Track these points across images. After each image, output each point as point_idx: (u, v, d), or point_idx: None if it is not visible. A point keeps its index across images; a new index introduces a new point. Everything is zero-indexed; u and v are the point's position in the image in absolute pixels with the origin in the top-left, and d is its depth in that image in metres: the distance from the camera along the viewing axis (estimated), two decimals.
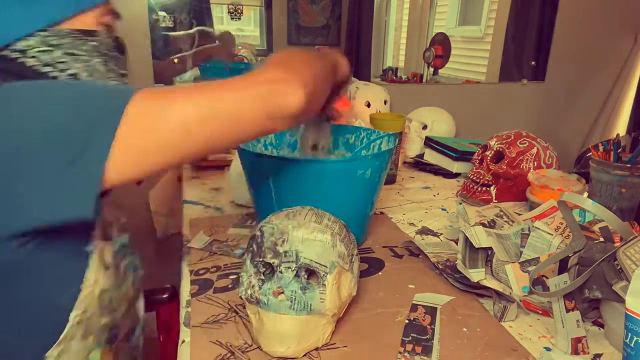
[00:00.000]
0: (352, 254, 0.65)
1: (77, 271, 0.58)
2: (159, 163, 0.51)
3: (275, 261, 0.59)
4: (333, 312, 0.61)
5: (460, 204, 0.98)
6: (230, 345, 0.62)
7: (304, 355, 0.61)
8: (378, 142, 0.98)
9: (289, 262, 0.59)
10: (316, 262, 0.59)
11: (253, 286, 0.61)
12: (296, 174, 0.79)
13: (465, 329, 0.67)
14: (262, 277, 0.61)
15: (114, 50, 0.66)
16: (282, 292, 0.59)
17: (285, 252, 0.59)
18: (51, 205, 0.47)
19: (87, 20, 0.62)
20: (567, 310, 0.64)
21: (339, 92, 0.82)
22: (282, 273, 0.59)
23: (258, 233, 0.63)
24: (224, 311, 0.70)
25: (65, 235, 0.55)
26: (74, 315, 0.57)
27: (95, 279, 0.59)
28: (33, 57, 0.58)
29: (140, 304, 0.77)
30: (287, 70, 0.56)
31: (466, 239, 0.80)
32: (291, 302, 0.58)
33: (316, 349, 0.62)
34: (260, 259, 0.61)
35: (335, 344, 0.63)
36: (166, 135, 0.49)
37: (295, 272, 0.59)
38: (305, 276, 0.59)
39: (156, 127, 0.49)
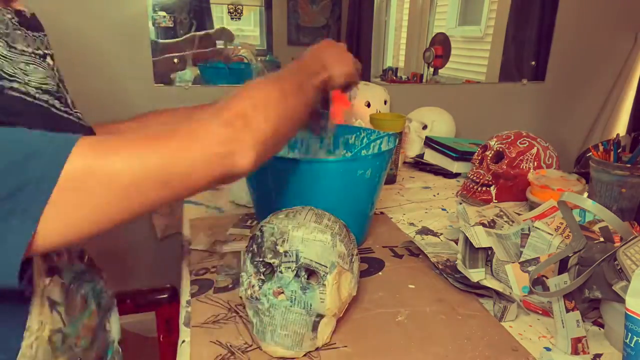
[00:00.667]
0: (352, 254, 0.65)
1: (15, 324, 0.50)
2: (99, 225, 0.46)
3: (275, 261, 0.59)
4: (333, 312, 0.61)
5: (460, 204, 0.98)
6: (231, 345, 0.62)
7: (304, 355, 0.61)
8: (378, 142, 0.98)
9: (289, 262, 0.59)
10: (316, 262, 0.59)
11: (253, 286, 0.61)
12: (296, 174, 0.79)
13: (465, 329, 0.67)
14: (262, 277, 0.61)
15: (19, 27, 0.54)
16: (282, 292, 0.59)
17: (285, 252, 0.59)
18: None
19: None
20: (567, 310, 0.64)
21: (344, 91, 0.82)
22: (282, 273, 0.59)
23: (258, 233, 0.63)
24: (224, 311, 0.70)
25: None
26: None
27: (40, 324, 0.51)
28: None
29: (113, 323, 0.71)
30: (241, 126, 0.52)
31: (466, 239, 0.80)
32: (291, 302, 0.58)
33: (316, 348, 0.62)
34: (260, 259, 0.61)
35: (335, 343, 0.63)
36: (110, 195, 0.45)
37: (295, 272, 0.59)
38: (305, 276, 0.59)
39: (97, 187, 0.44)
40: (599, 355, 0.63)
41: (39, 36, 0.56)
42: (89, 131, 0.60)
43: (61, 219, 0.43)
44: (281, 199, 0.82)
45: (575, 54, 2.06)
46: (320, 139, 1.05)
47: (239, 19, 1.88)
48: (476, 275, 0.75)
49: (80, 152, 0.43)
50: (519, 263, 0.77)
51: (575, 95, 2.15)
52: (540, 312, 0.71)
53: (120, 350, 0.71)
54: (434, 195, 1.23)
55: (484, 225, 0.87)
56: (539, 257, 0.76)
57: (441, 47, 2.10)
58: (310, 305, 0.59)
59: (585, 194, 1.04)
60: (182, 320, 0.69)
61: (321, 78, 0.72)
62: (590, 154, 1.04)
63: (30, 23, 0.56)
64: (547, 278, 0.72)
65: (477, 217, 0.94)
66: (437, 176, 1.40)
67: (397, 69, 2.22)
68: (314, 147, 1.06)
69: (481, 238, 0.79)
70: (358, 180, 0.81)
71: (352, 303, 0.71)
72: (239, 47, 1.81)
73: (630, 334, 0.52)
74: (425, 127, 1.61)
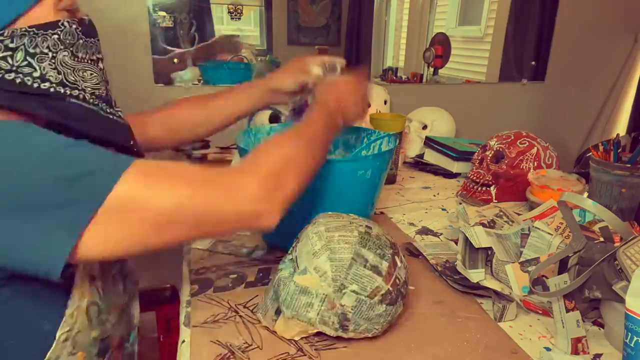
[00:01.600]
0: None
1: (60, 295, 0.56)
2: (132, 248, 0.51)
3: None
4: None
5: (460, 204, 0.98)
6: (230, 345, 0.62)
7: (304, 354, 0.61)
8: (378, 142, 0.98)
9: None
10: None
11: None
12: None
13: (464, 332, 0.67)
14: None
15: (81, 36, 0.59)
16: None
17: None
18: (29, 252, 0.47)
19: (45, 12, 0.55)
20: (567, 310, 0.64)
21: None
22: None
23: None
24: (224, 311, 0.70)
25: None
26: (59, 334, 0.55)
27: (80, 294, 0.57)
28: None
29: (135, 308, 0.76)
30: (273, 186, 0.56)
31: (466, 239, 0.80)
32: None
33: (316, 349, 0.62)
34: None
35: (334, 344, 0.63)
36: (146, 225, 0.50)
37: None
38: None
39: (136, 216, 0.49)
40: (599, 355, 0.63)
41: (94, 42, 0.61)
42: (129, 129, 0.65)
43: (100, 238, 0.48)
44: None
45: (575, 54, 2.06)
46: None
47: (239, 19, 1.88)
48: (476, 275, 0.75)
49: (129, 180, 0.48)
50: (519, 263, 0.77)
51: (575, 95, 2.15)
52: (540, 312, 0.71)
53: (137, 338, 0.75)
54: (434, 195, 1.23)
55: (483, 225, 0.87)
56: (539, 257, 0.76)
57: (441, 47, 2.10)
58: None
59: (585, 194, 1.04)
60: (182, 320, 0.69)
61: (340, 128, 0.76)
62: (590, 154, 1.04)
63: (88, 30, 0.60)
64: (547, 278, 0.72)
65: (477, 217, 0.94)
66: (437, 176, 1.40)
67: (397, 69, 2.22)
68: None
69: (481, 238, 0.79)
70: (358, 181, 0.81)
71: None
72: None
73: (630, 334, 0.52)
74: (425, 127, 1.61)
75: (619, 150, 0.98)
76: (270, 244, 0.90)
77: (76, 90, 0.57)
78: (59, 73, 0.56)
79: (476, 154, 1.24)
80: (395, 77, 2.17)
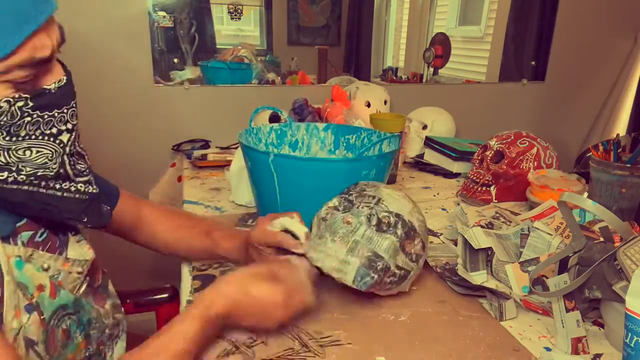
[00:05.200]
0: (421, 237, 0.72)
1: None
2: None
3: (357, 200, 0.69)
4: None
5: (458, 205, 0.98)
6: (235, 340, 0.63)
7: (308, 350, 0.61)
8: (378, 144, 0.98)
9: (369, 203, 0.69)
10: (394, 213, 0.68)
11: (327, 213, 0.69)
12: (302, 173, 0.80)
13: (467, 330, 0.67)
14: (340, 209, 0.70)
15: (30, 114, 0.49)
16: (350, 222, 0.67)
17: (370, 195, 0.70)
18: None
19: None
20: (567, 310, 0.64)
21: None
22: (357, 208, 0.68)
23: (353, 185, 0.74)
24: None
25: None
26: None
27: None
28: None
29: (119, 350, 0.70)
30: None
31: (465, 242, 0.80)
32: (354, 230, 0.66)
33: (320, 345, 0.62)
34: (345, 196, 0.71)
35: (340, 340, 0.63)
36: None
37: (369, 215, 0.67)
38: (375, 223, 0.67)
39: None
40: (599, 355, 0.63)
41: (57, 114, 0.52)
42: (87, 202, 0.58)
43: None
44: (285, 198, 0.83)
45: (575, 54, 2.05)
46: (321, 140, 1.05)
47: (239, 19, 1.88)
48: (478, 278, 0.75)
49: None
50: (519, 263, 0.77)
51: (575, 95, 2.14)
52: (541, 312, 0.71)
53: None
54: (434, 195, 1.23)
55: (481, 226, 0.87)
56: (538, 257, 0.76)
57: (441, 47, 2.10)
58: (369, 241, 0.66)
59: (585, 194, 1.04)
60: None
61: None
62: (590, 154, 1.04)
63: (50, 101, 0.51)
64: (547, 278, 0.72)
65: (477, 217, 0.94)
66: (437, 176, 1.40)
67: (397, 69, 2.22)
68: (314, 147, 1.06)
69: (480, 239, 0.79)
70: (362, 180, 0.82)
71: (355, 303, 0.72)
72: (239, 47, 1.81)
73: (630, 334, 0.52)
74: (425, 127, 1.61)
75: (619, 150, 0.98)
76: None
77: (5, 172, 0.50)
78: None
79: (476, 154, 1.24)
80: (395, 77, 2.17)
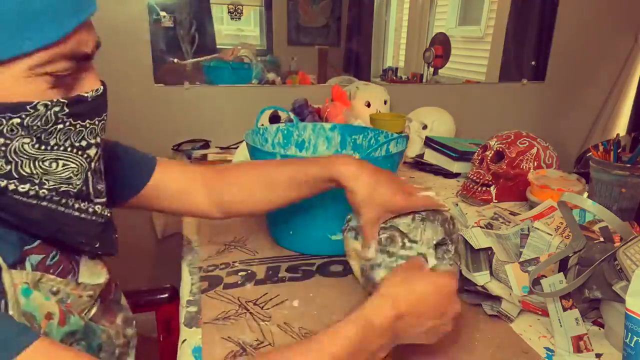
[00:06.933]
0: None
1: None
2: None
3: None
4: None
5: (457, 205, 0.97)
6: (242, 342, 0.63)
7: None
8: (386, 144, 0.98)
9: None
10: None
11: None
12: None
13: (475, 332, 0.67)
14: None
15: (64, 120, 0.48)
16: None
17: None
18: None
19: (7, 81, 0.44)
20: (565, 309, 0.64)
21: None
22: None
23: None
24: (235, 307, 0.70)
25: None
26: None
27: None
28: None
29: None
30: None
31: (466, 242, 0.80)
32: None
33: None
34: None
35: None
36: None
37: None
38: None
39: None
40: (599, 355, 0.63)
41: (89, 125, 0.51)
42: (102, 227, 0.56)
43: None
44: None
45: (575, 54, 2.06)
46: (328, 140, 1.05)
47: (239, 19, 1.88)
48: (481, 278, 0.75)
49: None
50: (519, 263, 0.77)
51: (575, 95, 2.14)
52: (540, 312, 0.71)
53: None
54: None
55: (481, 227, 0.87)
56: (538, 257, 0.76)
57: (441, 47, 2.10)
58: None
59: (585, 194, 1.04)
60: (182, 320, 0.68)
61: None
62: (590, 154, 1.04)
63: (86, 110, 0.50)
64: (547, 278, 0.72)
65: (477, 217, 0.94)
66: (437, 176, 1.39)
67: (397, 69, 2.22)
68: (321, 147, 1.06)
69: (480, 239, 0.79)
70: None
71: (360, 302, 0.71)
72: (239, 47, 1.81)
73: (630, 334, 0.52)
74: (425, 127, 1.61)
75: (619, 150, 0.98)
76: (284, 246, 0.91)
77: (27, 184, 0.48)
78: (7, 163, 0.46)
79: (476, 154, 1.24)
80: (395, 77, 2.17)
